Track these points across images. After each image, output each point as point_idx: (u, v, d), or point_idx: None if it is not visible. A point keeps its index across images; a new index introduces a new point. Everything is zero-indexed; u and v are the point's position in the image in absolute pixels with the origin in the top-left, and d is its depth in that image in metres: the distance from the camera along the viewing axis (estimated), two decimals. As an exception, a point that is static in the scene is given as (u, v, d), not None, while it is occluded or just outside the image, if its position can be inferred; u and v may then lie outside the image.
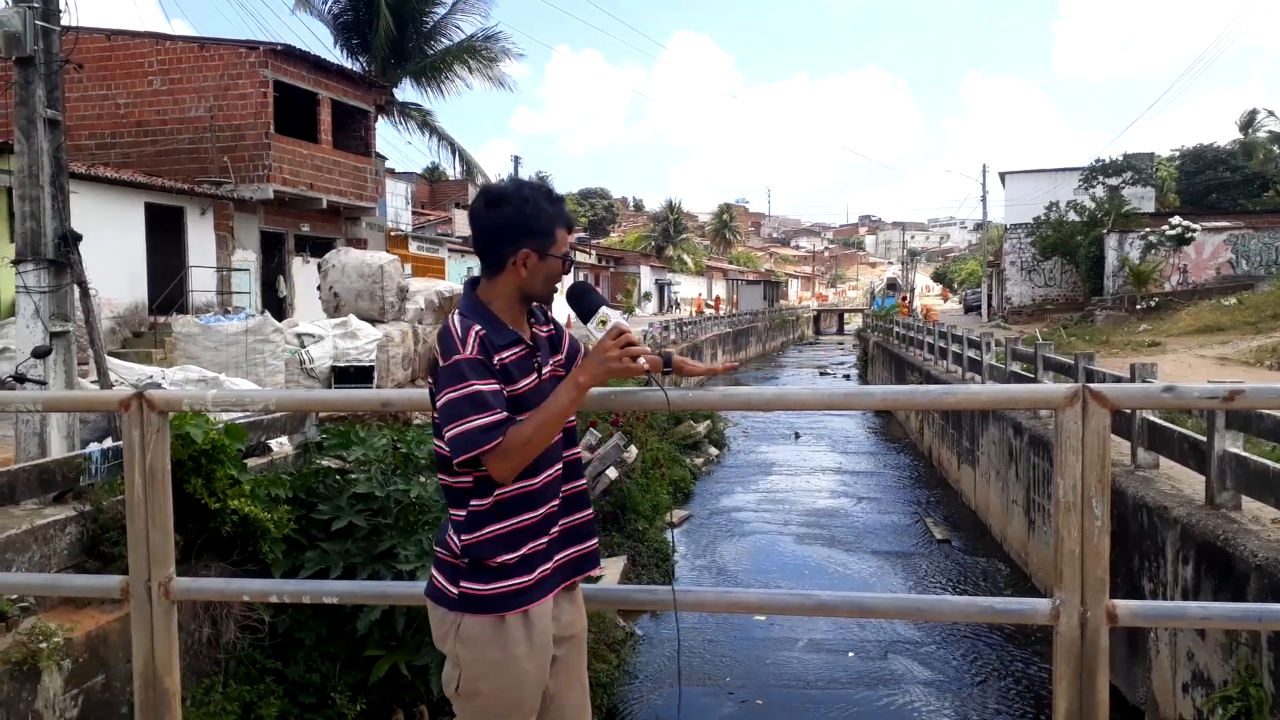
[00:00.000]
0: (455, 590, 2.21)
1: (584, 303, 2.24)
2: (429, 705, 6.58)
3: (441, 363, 2.14)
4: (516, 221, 2.21)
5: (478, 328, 2.16)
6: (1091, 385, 2.25)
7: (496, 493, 2.19)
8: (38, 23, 6.88)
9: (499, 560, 2.18)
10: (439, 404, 2.15)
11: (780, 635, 10.21)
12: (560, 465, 2.31)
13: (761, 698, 8.79)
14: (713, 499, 17.33)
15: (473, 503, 2.20)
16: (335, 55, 25.94)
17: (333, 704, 6.20)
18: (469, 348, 2.12)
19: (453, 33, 28.23)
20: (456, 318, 2.20)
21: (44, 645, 4.87)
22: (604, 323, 2.19)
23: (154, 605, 2.62)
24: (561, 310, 2.38)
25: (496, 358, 2.16)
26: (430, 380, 2.23)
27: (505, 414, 2.12)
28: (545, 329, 2.36)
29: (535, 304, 2.34)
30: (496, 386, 2.13)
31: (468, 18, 28.26)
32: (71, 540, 5.75)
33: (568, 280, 2.36)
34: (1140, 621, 2.46)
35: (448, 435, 2.12)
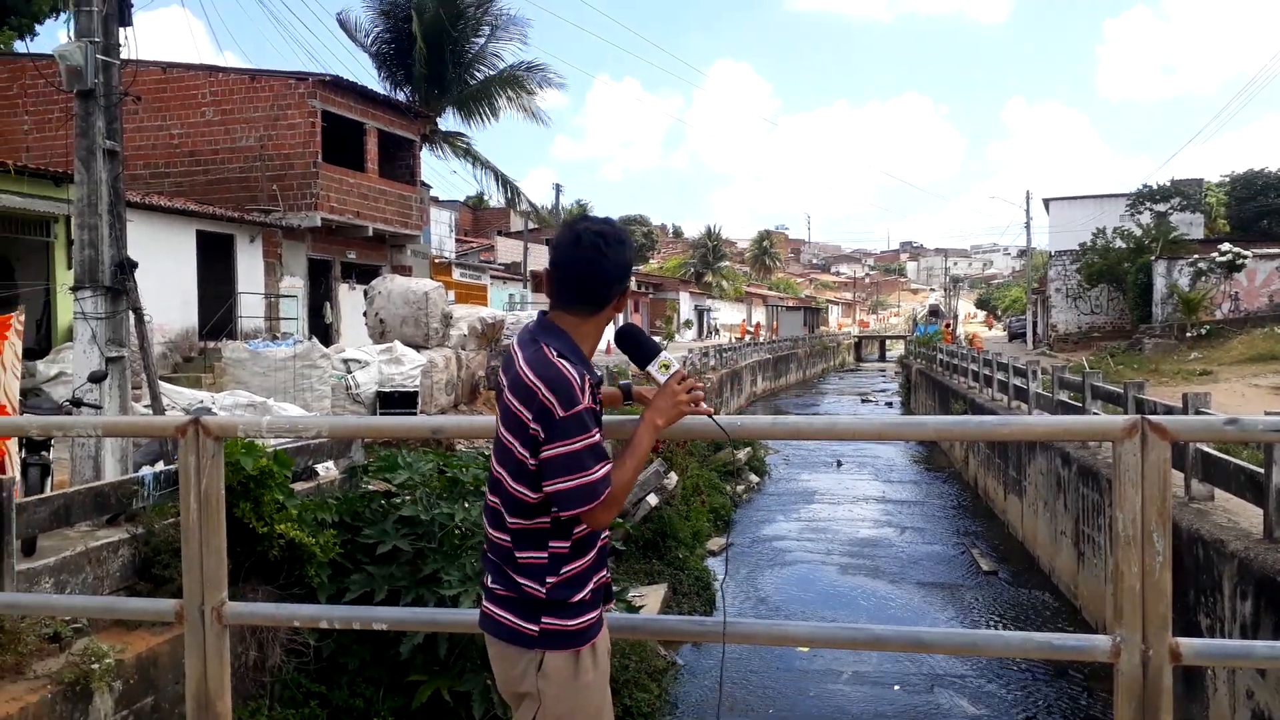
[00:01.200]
0: (536, 628, 2.21)
1: (641, 346, 2.31)
2: (471, 732, 6.57)
3: (561, 412, 2.10)
4: (628, 262, 2.27)
5: (588, 375, 2.17)
6: (1150, 417, 2.21)
7: (575, 533, 2.22)
8: (99, 57, 7.09)
9: (578, 598, 2.23)
10: (558, 453, 2.11)
11: (823, 667, 10.07)
12: None
13: (805, 730, 8.66)
14: (754, 527, 17.20)
15: (553, 544, 2.21)
16: (379, 86, 26.42)
17: (376, 729, 6.22)
18: (586, 396, 2.13)
19: (493, 61, 28.64)
20: (564, 362, 2.14)
21: (96, 666, 4.94)
22: (666, 366, 2.28)
23: (207, 629, 2.65)
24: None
25: (595, 404, 2.20)
26: (535, 422, 2.13)
27: (611, 462, 2.16)
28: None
29: None
30: (600, 435, 2.17)
31: (507, 46, 28.64)
32: (124, 562, 5.84)
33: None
34: (1205, 661, 2.40)
35: (566, 486, 2.11)
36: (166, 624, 5.26)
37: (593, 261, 2.21)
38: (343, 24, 27.88)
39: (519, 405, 2.15)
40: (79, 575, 5.51)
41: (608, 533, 2.36)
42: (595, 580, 2.28)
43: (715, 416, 2.34)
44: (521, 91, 28.42)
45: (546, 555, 2.20)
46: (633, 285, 50.05)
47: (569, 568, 2.21)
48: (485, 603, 2.33)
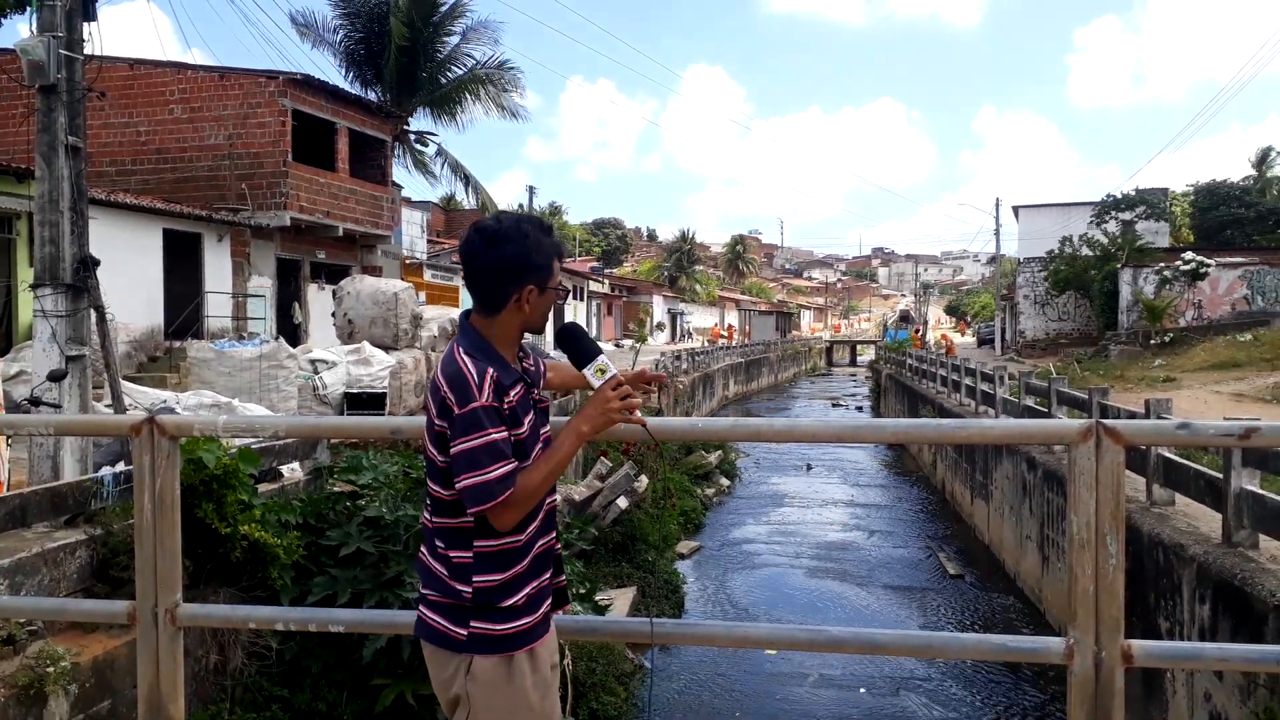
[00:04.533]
0: (464, 631, 2.19)
1: (579, 347, 2.26)
2: (435, 736, 6.52)
3: (457, 409, 2.09)
4: (519, 257, 2.18)
5: (491, 371, 2.12)
6: (1105, 421, 2.23)
7: (505, 539, 2.18)
8: (61, 52, 6.99)
9: (508, 603, 2.19)
10: (455, 451, 2.10)
11: (791, 670, 10.10)
12: (552, 498, 2.34)
13: (771, 733, 8.68)
14: (723, 530, 17.24)
15: (477, 544, 2.18)
16: (346, 86, 26.19)
17: (338, 733, 6.16)
18: (484, 394, 2.09)
19: (465, 61, 28.54)
20: (467, 359, 2.14)
21: (51, 670, 4.85)
22: (602, 371, 2.23)
23: (160, 631, 2.61)
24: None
25: (505, 401, 2.14)
26: (439, 419, 2.15)
27: (516, 463, 2.13)
28: (529, 361, 2.35)
29: None
30: (506, 434, 2.12)
31: (479, 47, 28.55)
32: (81, 564, 5.75)
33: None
34: (1156, 662, 2.42)
35: (463, 485, 2.09)
36: (123, 626, 5.19)
37: (476, 259, 2.20)
38: (298, 24, 27.54)
39: (430, 401, 2.19)
40: (35, 577, 5.41)
41: (548, 538, 2.30)
42: (533, 586, 2.23)
43: (649, 423, 2.28)
44: (492, 89, 28.32)
45: (471, 555, 2.18)
46: (605, 288, 50.04)
47: (500, 574, 2.18)
48: (419, 607, 2.31)
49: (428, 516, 2.28)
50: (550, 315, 2.38)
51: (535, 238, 2.20)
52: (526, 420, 2.20)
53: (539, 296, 2.23)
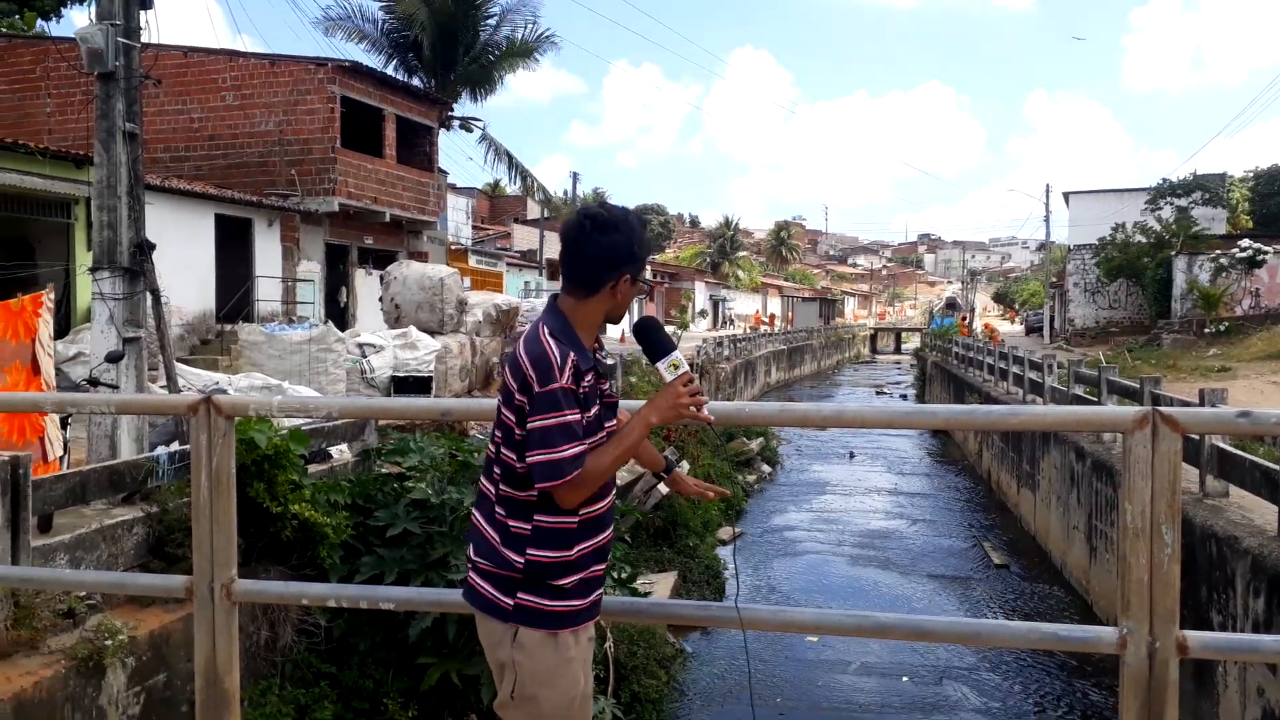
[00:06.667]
0: (511, 601, 2.25)
1: (655, 341, 2.31)
2: (479, 714, 6.61)
3: (538, 387, 2.17)
4: (624, 246, 2.27)
5: (572, 355, 2.20)
6: (1162, 409, 2.19)
7: (563, 517, 2.24)
8: (120, 40, 7.13)
9: (559, 582, 2.25)
10: (531, 427, 2.17)
11: (832, 658, 10.08)
12: (611, 496, 2.40)
13: (812, 720, 8.68)
14: (765, 517, 17.21)
15: (537, 518, 2.25)
16: (390, 70, 26.27)
17: (385, 710, 6.27)
18: (565, 376, 2.17)
19: (505, 45, 28.54)
20: (551, 340, 2.21)
21: (109, 643, 4.99)
22: (675, 366, 2.29)
23: (216, 606, 2.67)
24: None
25: (581, 385, 2.22)
26: (520, 394, 2.22)
27: (586, 445, 2.20)
28: (602, 354, 2.41)
29: None
30: (579, 416, 2.20)
31: (519, 30, 28.52)
32: (138, 540, 5.90)
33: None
34: (1212, 654, 2.38)
35: (535, 460, 2.17)
36: (179, 601, 5.31)
37: (578, 243, 2.27)
38: (330, 18, 27.53)
39: (509, 376, 2.26)
40: (94, 552, 5.57)
41: (607, 532, 2.36)
42: (587, 573, 2.30)
43: (713, 416, 2.34)
44: (530, 62, 28.36)
45: (530, 528, 2.25)
46: (648, 274, 50.02)
47: (553, 549, 2.24)
48: (469, 574, 2.37)
49: (489, 484, 2.34)
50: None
51: (639, 230, 2.31)
52: (594, 409, 2.27)
53: (629, 287, 2.32)
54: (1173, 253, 31.21)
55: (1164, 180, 34.98)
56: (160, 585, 3.59)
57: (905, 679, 9.63)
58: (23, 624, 4.82)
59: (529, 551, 2.24)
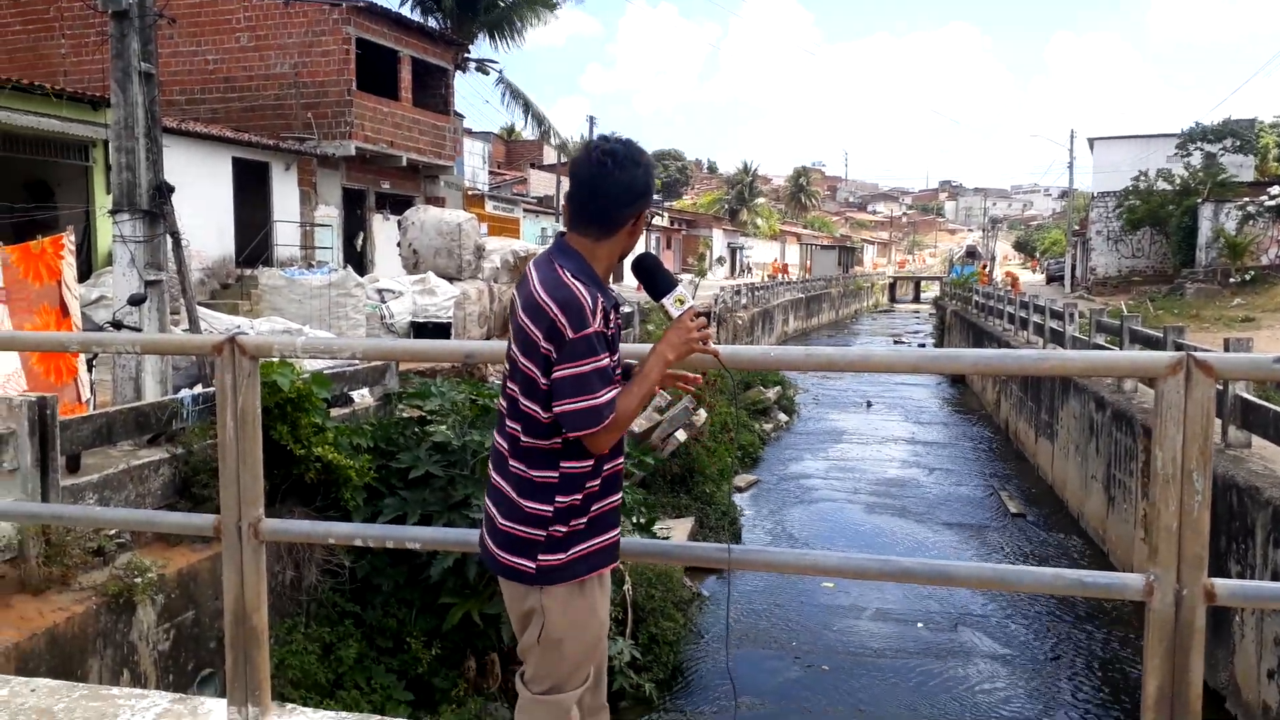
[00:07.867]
0: (533, 565, 2.22)
1: (657, 278, 2.25)
2: (500, 653, 6.73)
3: (571, 333, 2.08)
4: (644, 182, 2.20)
5: (601, 298, 2.13)
6: (1196, 354, 2.16)
7: (587, 460, 2.21)
8: (134, -23, 7.03)
9: (578, 521, 2.22)
10: (564, 374, 2.10)
11: (847, 603, 10.17)
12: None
13: (827, 664, 8.79)
14: (781, 465, 17.27)
15: (564, 464, 2.20)
16: (407, 12, 25.93)
17: (408, 648, 6.38)
18: (597, 320, 2.10)
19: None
20: (577, 283, 2.12)
21: (139, 580, 5.09)
22: (681, 301, 2.24)
23: (244, 544, 2.70)
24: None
25: (610, 327, 2.16)
26: (546, 342, 2.11)
27: (616, 388, 2.16)
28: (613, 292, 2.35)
29: None
30: (610, 360, 2.15)
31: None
32: (165, 481, 5.98)
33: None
34: (1240, 602, 2.38)
35: (571, 408, 2.10)
36: (206, 540, 5.40)
37: (598, 179, 2.18)
38: None
39: (531, 324, 2.14)
40: (121, 492, 5.65)
41: (618, 459, 2.32)
42: (601, 505, 2.26)
43: (720, 352, 2.31)
44: (548, 13, 27.95)
45: (558, 475, 2.20)
46: (665, 221, 49.68)
47: (576, 492, 2.21)
48: (485, 535, 2.33)
49: (504, 440, 2.28)
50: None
51: (652, 166, 2.25)
52: (617, 351, 2.23)
53: (640, 225, 2.27)
54: (1199, 200, 30.67)
55: (1195, 124, 34.19)
56: (190, 523, 3.64)
57: (920, 625, 9.72)
58: (54, 561, 4.91)
59: (558, 499, 2.20)
